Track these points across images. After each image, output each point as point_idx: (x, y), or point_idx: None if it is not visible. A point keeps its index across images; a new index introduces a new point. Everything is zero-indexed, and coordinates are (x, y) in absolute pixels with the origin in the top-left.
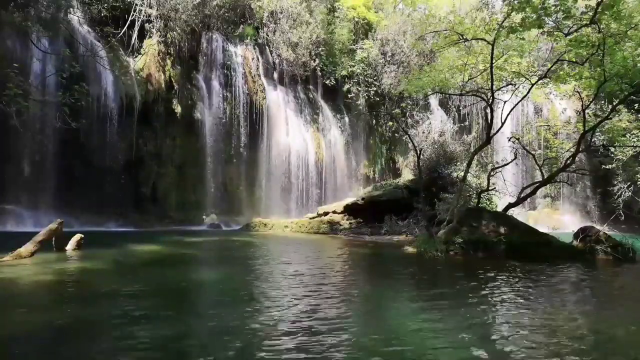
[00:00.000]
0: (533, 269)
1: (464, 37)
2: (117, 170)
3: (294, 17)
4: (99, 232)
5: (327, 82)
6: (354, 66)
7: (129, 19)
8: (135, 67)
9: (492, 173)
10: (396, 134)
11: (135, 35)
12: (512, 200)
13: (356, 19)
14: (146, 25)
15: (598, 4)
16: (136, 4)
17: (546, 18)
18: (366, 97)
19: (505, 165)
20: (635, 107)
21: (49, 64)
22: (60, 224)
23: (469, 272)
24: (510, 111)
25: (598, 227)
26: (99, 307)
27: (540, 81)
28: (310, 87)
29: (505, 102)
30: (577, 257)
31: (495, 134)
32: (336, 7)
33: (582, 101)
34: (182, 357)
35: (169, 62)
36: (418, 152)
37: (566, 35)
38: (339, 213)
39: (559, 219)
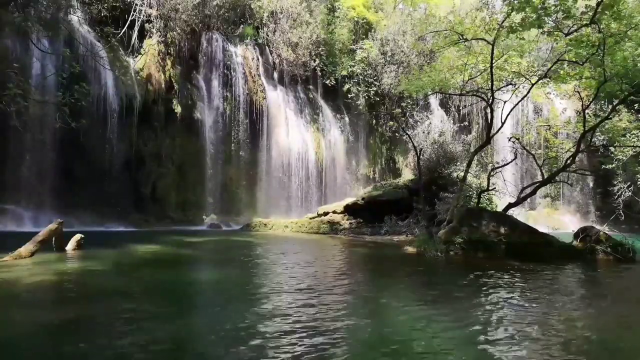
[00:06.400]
0: (533, 269)
1: (464, 37)
2: (117, 170)
3: (294, 17)
4: (99, 232)
5: (327, 82)
6: (354, 66)
7: (129, 19)
8: (135, 67)
9: (492, 173)
10: (396, 134)
11: (135, 35)
12: (512, 200)
13: (356, 19)
14: (146, 25)
15: (598, 4)
16: (136, 4)
17: (546, 18)
18: (366, 97)
19: (505, 165)
20: (635, 107)
21: (49, 64)
22: (60, 224)
23: (469, 272)
24: (510, 111)
25: (598, 227)
26: (99, 307)
27: (540, 81)
28: (310, 87)
29: (505, 102)
30: (577, 257)
31: (495, 134)
32: (336, 7)
33: (582, 101)
34: (182, 357)
35: (169, 62)
36: (418, 152)
37: (566, 35)
38: (339, 213)
39: (559, 219)
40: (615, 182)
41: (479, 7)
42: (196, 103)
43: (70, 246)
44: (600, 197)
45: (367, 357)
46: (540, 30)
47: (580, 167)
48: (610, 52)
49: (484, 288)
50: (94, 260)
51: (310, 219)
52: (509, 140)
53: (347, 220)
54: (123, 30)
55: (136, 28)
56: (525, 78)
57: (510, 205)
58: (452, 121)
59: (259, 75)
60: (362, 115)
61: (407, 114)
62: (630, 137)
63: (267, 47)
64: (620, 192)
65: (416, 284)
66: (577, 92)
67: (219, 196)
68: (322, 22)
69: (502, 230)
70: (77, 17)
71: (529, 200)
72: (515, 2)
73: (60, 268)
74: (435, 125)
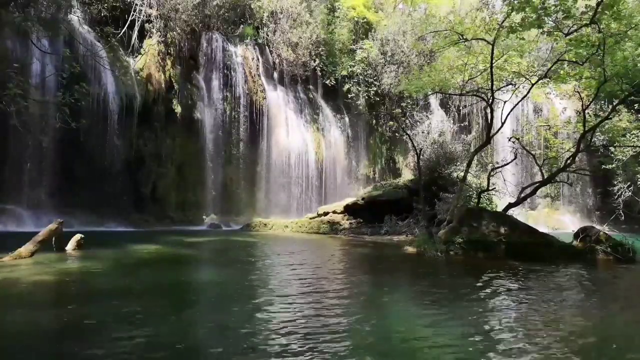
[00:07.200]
0: (533, 269)
1: (464, 37)
2: (117, 170)
3: (294, 17)
4: (99, 232)
5: (327, 82)
6: (354, 66)
7: (129, 19)
8: (135, 67)
9: (492, 173)
10: (396, 134)
11: (135, 35)
12: (512, 200)
13: (356, 19)
14: (146, 25)
15: (598, 4)
16: (136, 4)
17: (546, 18)
18: (366, 97)
19: (505, 165)
20: (635, 107)
21: (49, 64)
22: (60, 224)
23: (469, 272)
24: (510, 111)
25: (598, 227)
26: (98, 307)
27: (540, 81)
28: (310, 87)
29: (505, 102)
30: (577, 257)
31: (495, 134)
32: (336, 7)
33: (582, 101)
34: (182, 357)
35: (169, 62)
36: (418, 152)
37: (566, 35)
38: (339, 213)
39: (559, 219)
40: (615, 182)
41: (479, 7)
42: (196, 103)
43: (70, 246)
44: (600, 197)
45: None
46: (540, 30)
47: (580, 167)
48: (610, 52)
49: (485, 288)
50: (94, 260)
51: (310, 219)
52: (509, 140)
53: (347, 220)
54: (123, 30)
55: (136, 28)
56: (525, 78)
57: (510, 205)
58: (452, 121)
59: (259, 75)
60: (362, 115)
61: (407, 114)
62: (630, 137)
63: (267, 47)
64: (620, 192)
65: (417, 284)
66: (577, 92)
67: (219, 196)
68: (322, 22)
69: (502, 230)
70: (77, 17)
71: (529, 200)
72: (515, 2)
73: (60, 268)
74: (435, 125)
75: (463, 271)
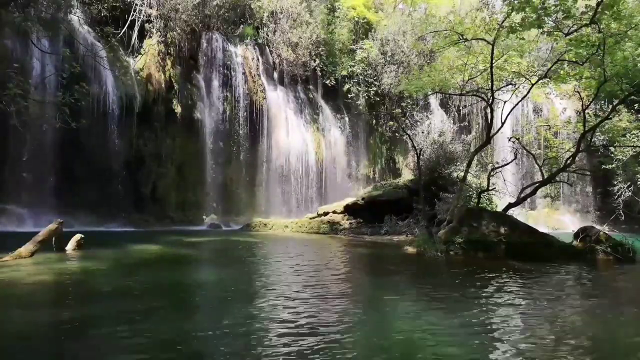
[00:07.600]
0: (533, 269)
1: (464, 37)
2: (117, 170)
3: (294, 17)
4: (99, 232)
5: (327, 82)
6: (354, 66)
7: (129, 19)
8: (135, 67)
9: (492, 173)
10: (396, 134)
11: (135, 35)
12: (512, 200)
13: (356, 19)
14: (146, 25)
15: (598, 4)
16: (136, 4)
17: (546, 18)
18: (366, 97)
19: (505, 165)
20: (635, 107)
21: (49, 64)
22: (60, 224)
23: (469, 272)
24: (510, 111)
25: (598, 227)
26: (98, 307)
27: (540, 81)
28: (310, 87)
29: (505, 102)
30: (577, 257)
31: (495, 134)
32: (336, 7)
33: (582, 101)
34: (181, 358)
35: (169, 62)
36: (418, 152)
37: (566, 35)
38: (339, 213)
39: (559, 219)
40: (615, 182)
41: (479, 7)
42: (196, 103)
43: (70, 246)
44: (600, 197)
45: None
46: (540, 30)
47: (580, 167)
48: (610, 52)
49: (487, 289)
50: (94, 260)
51: (310, 219)
52: (509, 140)
53: (347, 220)
54: (123, 30)
55: (136, 28)
56: (525, 78)
57: (510, 205)
58: (452, 121)
59: (259, 75)
60: (362, 115)
61: (407, 114)
62: (630, 137)
63: (267, 47)
64: (620, 192)
65: (418, 285)
66: (577, 92)
67: (219, 196)
68: (322, 22)
69: (502, 230)
70: (77, 17)
71: (529, 200)
72: (515, 2)
73: (60, 268)
74: (435, 125)
75: (463, 271)
